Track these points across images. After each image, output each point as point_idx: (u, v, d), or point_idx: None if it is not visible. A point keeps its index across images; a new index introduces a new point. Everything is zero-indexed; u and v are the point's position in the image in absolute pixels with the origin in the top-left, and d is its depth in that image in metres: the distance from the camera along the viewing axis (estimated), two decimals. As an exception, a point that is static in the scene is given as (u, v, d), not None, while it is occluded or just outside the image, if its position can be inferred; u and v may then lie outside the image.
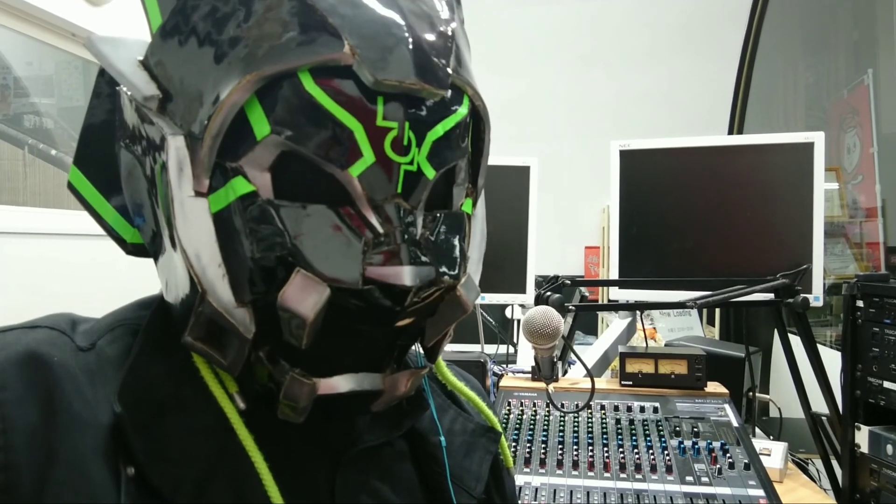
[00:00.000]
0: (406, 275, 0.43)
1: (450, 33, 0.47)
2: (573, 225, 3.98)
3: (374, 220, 0.44)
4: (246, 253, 0.43)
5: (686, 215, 1.55)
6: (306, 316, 0.42)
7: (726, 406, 1.33)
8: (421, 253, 0.45)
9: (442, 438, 0.59)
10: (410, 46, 0.44)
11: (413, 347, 0.55)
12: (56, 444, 0.42)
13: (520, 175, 1.70)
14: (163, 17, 0.48)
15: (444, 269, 0.47)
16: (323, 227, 0.43)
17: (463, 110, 0.47)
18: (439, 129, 0.46)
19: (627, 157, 1.58)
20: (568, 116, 3.98)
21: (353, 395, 0.47)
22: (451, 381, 0.64)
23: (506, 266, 1.68)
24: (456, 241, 0.49)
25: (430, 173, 0.46)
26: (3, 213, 2.39)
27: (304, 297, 0.42)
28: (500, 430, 0.65)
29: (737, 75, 3.78)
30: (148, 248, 0.52)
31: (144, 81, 0.47)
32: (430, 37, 0.45)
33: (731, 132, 3.79)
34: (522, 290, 1.69)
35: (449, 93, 0.46)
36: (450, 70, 0.46)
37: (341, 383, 0.46)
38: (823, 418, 1.38)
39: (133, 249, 0.57)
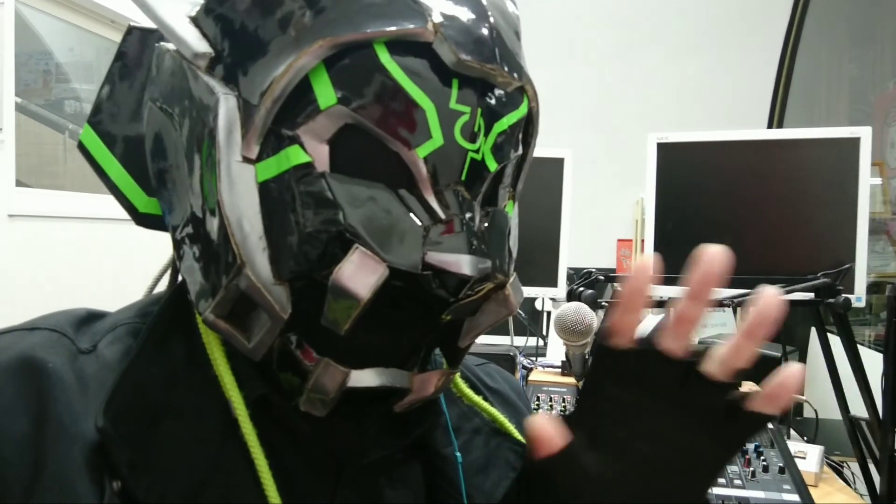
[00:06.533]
0: (466, 264, 0.40)
1: (517, 26, 0.45)
2: (606, 217, 3.93)
3: (435, 206, 0.41)
4: (294, 226, 0.40)
5: (724, 211, 1.52)
6: (362, 296, 0.39)
7: (761, 407, 1.30)
8: (481, 245, 0.42)
9: (457, 452, 0.52)
10: (493, 31, 0.42)
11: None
12: (43, 455, 0.40)
13: (554, 167, 1.69)
14: None
15: (498, 264, 0.44)
16: (383, 207, 0.41)
17: (524, 108, 0.45)
18: (504, 123, 0.43)
19: (665, 150, 1.55)
20: (603, 108, 3.93)
21: (378, 391, 0.44)
22: (467, 394, 0.57)
23: (537, 259, 1.67)
24: (506, 240, 0.47)
25: (493, 165, 0.44)
26: (45, 197, 2.45)
27: (361, 275, 0.39)
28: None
29: (778, 67, 3.69)
30: (165, 218, 0.48)
31: (196, 38, 0.43)
32: (506, 25, 0.44)
33: (770, 126, 3.70)
34: (554, 284, 1.67)
35: (520, 84, 0.44)
36: (522, 62, 0.44)
37: (371, 377, 0.43)
38: (862, 422, 1.35)
39: (144, 220, 0.53)
